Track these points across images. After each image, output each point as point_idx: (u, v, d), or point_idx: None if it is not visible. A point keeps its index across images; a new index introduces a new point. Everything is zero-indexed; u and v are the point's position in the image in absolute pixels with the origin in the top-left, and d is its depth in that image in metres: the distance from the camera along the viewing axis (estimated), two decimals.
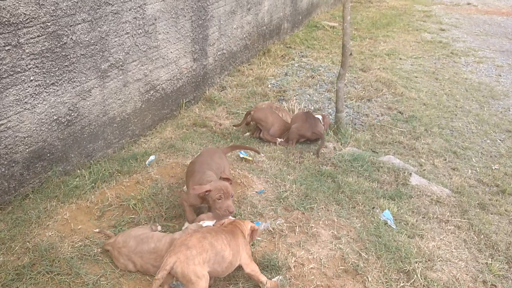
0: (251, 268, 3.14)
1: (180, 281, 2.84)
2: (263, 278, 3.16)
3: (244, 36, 7.67)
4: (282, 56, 8.52)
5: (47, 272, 3.20)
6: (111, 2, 4.44)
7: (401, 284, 3.37)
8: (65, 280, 3.16)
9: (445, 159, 5.70)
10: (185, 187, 4.05)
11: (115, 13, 4.53)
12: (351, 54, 8.82)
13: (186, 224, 3.61)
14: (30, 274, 3.17)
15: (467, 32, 11.70)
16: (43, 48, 3.79)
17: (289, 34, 9.86)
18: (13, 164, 3.84)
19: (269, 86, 7.25)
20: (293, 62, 8.29)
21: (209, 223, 3.40)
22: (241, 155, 4.84)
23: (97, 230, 3.73)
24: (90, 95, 4.47)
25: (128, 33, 4.78)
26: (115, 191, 4.16)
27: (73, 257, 3.36)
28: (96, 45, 4.38)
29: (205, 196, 3.49)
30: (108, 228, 3.78)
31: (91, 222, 3.81)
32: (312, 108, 6.59)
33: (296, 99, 6.70)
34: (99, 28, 4.36)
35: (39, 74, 3.83)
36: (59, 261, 3.31)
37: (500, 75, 8.76)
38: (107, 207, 3.99)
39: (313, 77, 7.59)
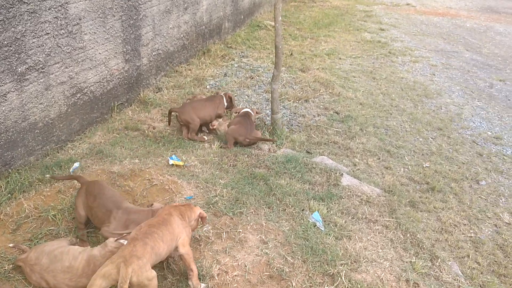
0: (186, 250, 3.17)
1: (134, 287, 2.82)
2: (194, 266, 3.18)
3: (182, 36, 7.52)
4: (222, 56, 8.43)
5: None
6: (26, 1, 4.18)
7: None
8: None
9: (379, 158, 5.81)
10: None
11: (31, 12, 4.27)
12: (291, 54, 8.86)
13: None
14: None
15: (405, 32, 12.06)
16: None
17: (231, 33, 9.78)
18: None
19: (208, 87, 7.15)
20: (233, 63, 8.21)
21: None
22: (171, 161, 4.70)
23: (11, 245, 3.50)
24: (6, 99, 4.19)
25: (48, 33, 4.53)
26: (33, 202, 3.92)
27: None
28: (10, 46, 4.11)
29: None
30: (24, 242, 3.55)
31: (4, 236, 3.57)
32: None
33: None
34: (13, 28, 4.09)
35: None
36: None
37: (434, 74, 9.07)
38: (24, 219, 3.75)
39: (252, 78, 7.54)
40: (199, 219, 3.43)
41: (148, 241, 2.94)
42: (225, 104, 6.01)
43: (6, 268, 3.26)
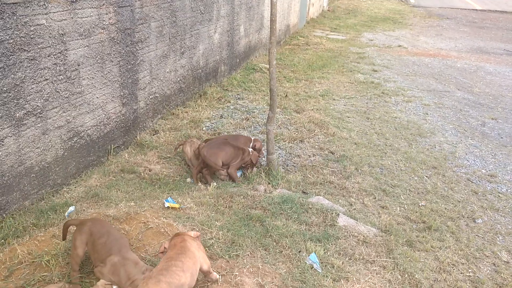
0: (208, 266, 3.39)
1: None
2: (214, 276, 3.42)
3: (178, 79, 7.67)
4: (218, 98, 8.57)
5: None
6: (26, 48, 4.30)
7: None
8: None
9: (375, 198, 5.81)
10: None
11: (31, 59, 4.39)
12: (286, 95, 9.02)
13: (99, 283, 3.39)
14: None
15: (398, 73, 12.32)
16: None
17: (227, 76, 9.98)
18: None
19: (204, 128, 7.23)
20: (229, 105, 8.34)
21: None
22: (166, 204, 4.70)
23: None
24: (3, 144, 4.24)
25: (47, 79, 4.63)
26: (27, 247, 3.89)
27: None
28: (10, 92, 4.20)
29: None
30: None
31: None
32: None
33: None
34: (12, 75, 4.19)
35: None
36: None
37: (427, 114, 9.21)
38: (17, 265, 3.71)
39: (248, 119, 7.65)
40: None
41: (163, 277, 2.92)
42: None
43: None
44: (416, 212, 5.61)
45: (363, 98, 9.82)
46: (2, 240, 3.97)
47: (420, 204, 5.82)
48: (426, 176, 6.60)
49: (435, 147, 7.62)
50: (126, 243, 3.66)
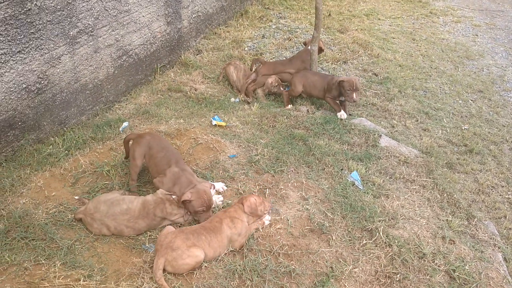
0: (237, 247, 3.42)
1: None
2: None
3: None
4: (260, 17, 8.43)
5: (22, 238, 3.30)
6: None
7: (364, 242, 3.55)
8: (40, 245, 3.27)
9: (417, 120, 5.82)
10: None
11: None
12: (329, 14, 8.76)
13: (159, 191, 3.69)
14: (5, 240, 3.27)
15: None
16: (6, 15, 3.73)
17: None
18: None
19: (246, 49, 7.22)
20: (270, 24, 8.21)
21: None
22: (214, 122, 4.89)
23: (76, 197, 3.80)
24: (60, 62, 4.44)
25: None
26: (88, 158, 4.22)
27: (47, 223, 3.46)
28: (63, 10, 4.31)
29: (186, 203, 3.51)
30: (82, 194, 3.86)
31: (65, 189, 3.88)
32: None
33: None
34: None
35: (4, 42, 3.79)
36: (33, 227, 3.40)
37: (476, 35, 8.81)
38: (81, 174, 4.06)
39: (290, 39, 7.55)
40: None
41: (192, 237, 3.21)
42: None
43: (69, 217, 3.58)
44: (458, 135, 5.62)
45: (410, 18, 9.42)
46: (66, 151, 4.30)
47: (463, 128, 5.80)
48: (471, 100, 6.49)
49: (483, 70, 7.39)
50: (181, 157, 3.92)
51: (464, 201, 4.38)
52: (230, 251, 3.34)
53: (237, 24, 7.98)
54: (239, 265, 3.21)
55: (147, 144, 3.87)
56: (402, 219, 3.84)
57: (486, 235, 3.98)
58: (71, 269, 3.07)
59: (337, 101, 5.45)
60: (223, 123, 4.94)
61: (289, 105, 5.66)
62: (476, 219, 4.12)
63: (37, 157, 4.20)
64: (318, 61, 6.42)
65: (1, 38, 3.75)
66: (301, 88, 5.62)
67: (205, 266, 3.20)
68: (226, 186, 3.97)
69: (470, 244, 3.78)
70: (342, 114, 5.31)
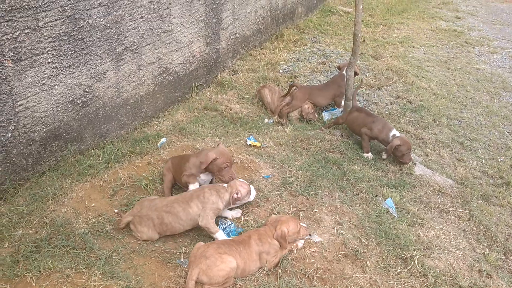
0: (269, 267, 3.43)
1: (210, 285, 3.18)
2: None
3: (258, 20, 7.72)
4: (294, 41, 8.56)
5: (63, 246, 3.39)
6: None
7: (398, 270, 3.51)
8: (80, 254, 3.35)
9: (451, 150, 5.77)
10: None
11: None
12: (363, 40, 8.83)
13: (191, 186, 3.96)
14: (47, 247, 3.37)
15: (484, 21, 11.57)
16: (60, 31, 3.92)
17: (303, 18, 9.86)
18: (31, 143, 4.02)
19: (280, 71, 7.33)
20: (305, 48, 8.33)
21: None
22: (249, 142, 4.96)
23: (116, 210, 3.90)
24: (105, 77, 4.61)
25: (143, 17, 4.89)
26: (127, 171, 4.33)
27: (87, 233, 3.55)
28: (112, 28, 4.50)
29: (211, 163, 3.82)
30: (120, 206, 3.95)
31: (104, 200, 3.99)
32: None
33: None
34: (114, 12, 4.47)
35: (57, 56, 3.97)
36: (74, 236, 3.50)
37: None
38: (120, 186, 4.16)
39: (325, 63, 7.64)
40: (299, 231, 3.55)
41: (223, 246, 3.29)
42: None
43: (107, 228, 3.67)
44: (494, 167, 5.53)
45: (444, 47, 9.40)
46: (106, 164, 4.42)
47: (499, 160, 5.71)
48: (508, 132, 6.40)
49: None
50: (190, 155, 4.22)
51: (500, 234, 4.30)
52: (264, 271, 3.36)
53: (272, 47, 8.12)
54: (273, 286, 3.22)
55: (169, 162, 4.28)
56: (437, 249, 3.79)
57: None
58: (109, 279, 3.14)
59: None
60: (258, 144, 5.01)
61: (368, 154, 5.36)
62: None
63: (78, 167, 4.33)
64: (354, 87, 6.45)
65: (55, 53, 3.93)
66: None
67: (240, 285, 3.23)
68: (259, 206, 4.02)
69: (508, 279, 3.70)
70: (369, 156, 5.18)
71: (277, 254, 3.42)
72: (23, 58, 3.69)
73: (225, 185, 3.80)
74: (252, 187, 3.93)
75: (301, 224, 3.55)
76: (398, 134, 5.05)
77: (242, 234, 3.52)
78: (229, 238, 3.53)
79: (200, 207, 3.64)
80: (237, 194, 3.71)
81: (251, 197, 3.91)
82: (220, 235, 3.61)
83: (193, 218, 3.64)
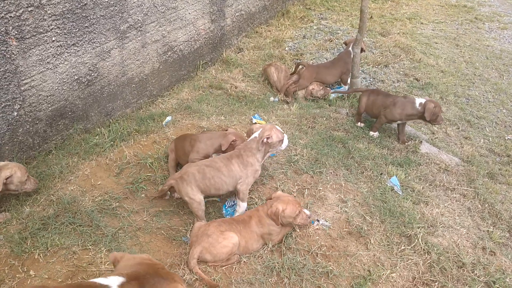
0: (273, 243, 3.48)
1: (215, 263, 3.24)
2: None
3: None
4: (301, 17, 8.44)
5: (70, 223, 3.45)
6: None
7: (402, 247, 3.54)
8: (87, 231, 3.41)
9: (458, 128, 5.73)
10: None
11: None
12: (371, 17, 8.69)
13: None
14: (54, 224, 3.42)
15: None
16: (64, 9, 3.89)
17: None
18: (37, 122, 4.04)
19: (286, 48, 7.25)
20: (312, 25, 8.21)
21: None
22: (254, 120, 4.95)
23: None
24: (110, 55, 4.59)
25: None
26: (133, 150, 4.36)
27: (93, 210, 3.60)
28: (116, 6, 4.46)
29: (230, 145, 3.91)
30: (126, 184, 3.99)
31: (110, 179, 4.03)
32: None
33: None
34: None
35: (61, 35, 3.95)
36: (80, 214, 3.55)
37: None
38: (125, 165, 4.19)
39: (331, 41, 7.54)
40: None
41: (224, 224, 3.33)
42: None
43: (114, 205, 3.71)
44: (501, 145, 5.49)
45: (454, 23, 9.23)
46: (112, 142, 4.44)
47: (507, 138, 5.67)
48: None
49: None
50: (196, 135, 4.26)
51: (505, 212, 4.29)
52: (269, 248, 3.39)
53: (278, 24, 8.02)
54: (277, 263, 3.26)
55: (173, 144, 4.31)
56: (441, 227, 3.80)
57: None
58: None
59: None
60: (263, 122, 5.00)
61: (360, 123, 5.36)
62: None
63: (84, 146, 4.36)
64: (360, 64, 6.38)
65: (58, 31, 3.91)
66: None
67: (244, 262, 3.27)
68: (264, 184, 4.03)
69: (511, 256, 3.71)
70: (375, 134, 5.10)
71: (280, 233, 3.44)
72: (27, 36, 3.68)
73: (257, 134, 3.75)
74: (285, 136, 3.84)
75: (305, 210, 3.47)
76: (423, 99, 4.88)
77: (243, 214, 3.55)
78: (230, 217, 3.55)
79: (241, 167, 3.64)
80: (267, 138, 3.65)
81: (283, 146, 3.82)
82: (243, 206, 3.71)
83: (234, 176, 3.63)
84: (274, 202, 3.39)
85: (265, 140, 3.64)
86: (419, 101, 4.84)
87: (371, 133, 5.11)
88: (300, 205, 3.43)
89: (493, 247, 3.71)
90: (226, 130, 4.18)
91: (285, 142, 3.82)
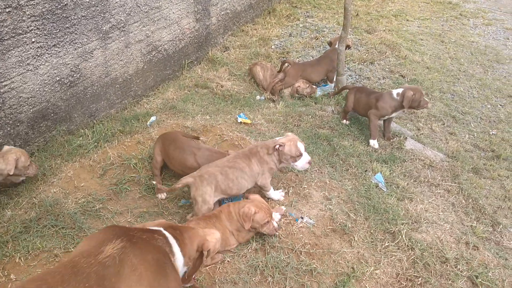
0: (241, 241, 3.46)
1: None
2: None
3: None
4: (287, 16, 8.44)
5: (52, 226, 3.42)
6: None
7: (386, 244, 3.55)
8: (69, 234, 3.38)
9: (444, 124, 5.76)
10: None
11: None
12: (357, 14, 8.71)
13: None
14: (36, 227, 3.39)
15: None
16: (43, 9, 3.85)
17: None
18: (18, 124, 4.00)
19: (273, 47, 7.25)
20: (298, 23, 8.22)
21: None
22: (239, 119, 4.94)
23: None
24: (92, 56, 4.56)
25: None
26: (117, 151, 4.33)
27: (76, 213, 3.57)
28: (97, 6, 4.42)
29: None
30: (110, 186, 3.96)
31: (93, 180, 4.00)
32: None
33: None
34: None
35: (41, 36, 3.91)
36: (63, 216, 3.52)
37: (508, 39, 8.63)
38: (109, 166, 4.16)
39: (317, 38, 7.55)
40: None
41: (201, 222, 3.28)
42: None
43: (97, 207, 3.69)
44: (485, 141, 5.53)
45: (439, 19, 9.29)
46: (95, 143, 4.41)
47: (491, 133, 5.71)
48: (500, 105, 6.37)
49: None
50: (195, 142, 4.10)
51: (489, 207, 4.33)
52: (253, 248, 3.39)
53: (264, 22, 8.01)
54: (261, 262, 3.26)
55: (160, 142, 4.14)
56: (425, 223, 3.83)
57: (511, 242, 3.93)
58: None
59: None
60: (248, 121, 4.99)
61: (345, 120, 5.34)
62: (501, 226, 4.07)
63: (67, 148, 4.32)
64: (345, 61, 6.40)
65: (38, 32, 3.87)
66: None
67: (228, 261, 3.27)
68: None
69: (494, 251, 3.74)
70: (375, 144, 4.90)
71: (247, 233, 3.41)
72: (6, 38, 3.63)
73: (278, 139, 3.73)
74: (306, 156, 3.69)
75: (274, 222, 3.39)
76: (400, 89, 4.86)
77: (214, 210, 3.52)
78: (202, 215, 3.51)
79: (258, 165, 3.63)
80: (279, 145, 3.60)
81: (299, 165, 3.69)
82: (272, 193, 3.79)
83: (254, 175, 3.63)
84: (248, 203, 3.37)
85: (277, 146, 3.61)
86: (396, 91, 4.87)
87: (371, 141, 4.92)
88: (271, 215, 3.38)
89: (476, 242, 3.74)
90: (227, 151, 4.03)
91: (302, 161, 3.68)
